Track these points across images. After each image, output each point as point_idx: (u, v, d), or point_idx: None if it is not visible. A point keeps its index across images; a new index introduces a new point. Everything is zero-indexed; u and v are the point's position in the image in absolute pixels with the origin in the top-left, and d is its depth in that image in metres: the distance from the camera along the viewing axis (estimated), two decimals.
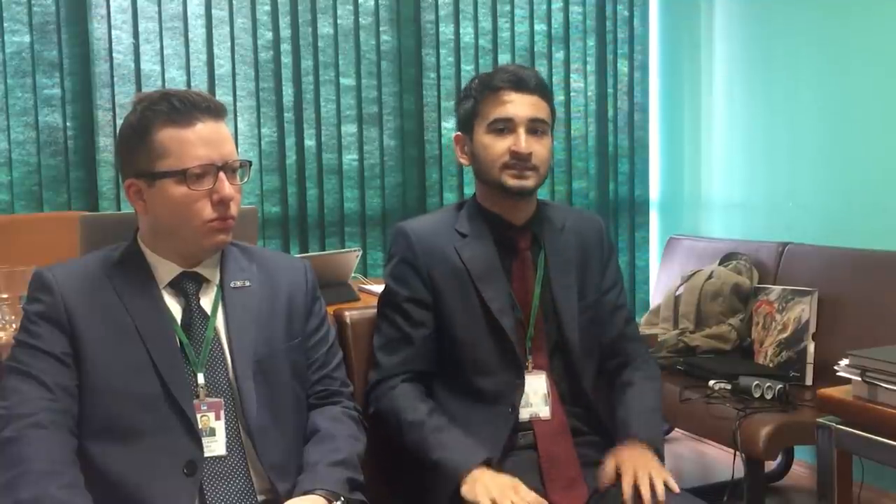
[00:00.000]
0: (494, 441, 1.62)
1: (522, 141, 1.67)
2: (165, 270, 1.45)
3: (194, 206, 1.37)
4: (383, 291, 1.78)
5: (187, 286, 1.45)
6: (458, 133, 1.79)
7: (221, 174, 1.38)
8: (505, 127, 1.68)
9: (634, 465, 1.56)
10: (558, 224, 1.80)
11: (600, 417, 1.73)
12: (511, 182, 1.68)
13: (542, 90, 1.72)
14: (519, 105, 1.68)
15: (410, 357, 1.72)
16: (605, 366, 1.81)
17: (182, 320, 1.44)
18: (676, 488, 1.54)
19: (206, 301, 1.47)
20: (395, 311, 1.73)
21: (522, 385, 1.68)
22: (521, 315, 1.71)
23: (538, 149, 1.69)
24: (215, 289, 1.48)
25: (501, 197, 1.73)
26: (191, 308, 1.45)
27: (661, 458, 1.62)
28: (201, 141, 1.37)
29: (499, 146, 1.68)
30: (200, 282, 1.47)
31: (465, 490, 1.50)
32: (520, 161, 1.67)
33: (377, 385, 1.72)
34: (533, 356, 1.71)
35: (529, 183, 1.69)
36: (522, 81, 1.69)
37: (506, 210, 1.75)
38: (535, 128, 1.69)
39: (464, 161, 1.78)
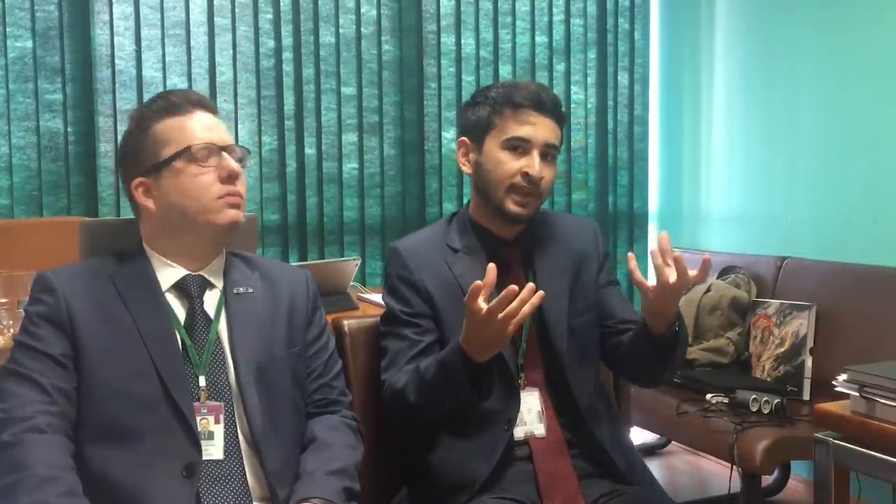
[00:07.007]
0: (489, 458, 1.60)
1: (536, 164, 1.65)
2: (170, 273, 1.45)
3: (203, 183, 1.41)
4: (384, 313, 1.74)
5: (192, 288, 1.46)
6: (464, 138, 1.74)
7: (224, 153, 1.43)
8: (520, 146, 1.66)
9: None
10: (550, 233, 1.77)
11: (591, 430, 1.68)
12: (512, 208, 1.66)
13: (559, 115, 1.70)
14: (539, 127, 1.66)
15: (417, 357, 1.65)
16: (619, 338, 1.77)
17: (185, 322, 1.44)
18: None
19: (210, 305, 1.47)
20: (399, 326, 1.69)
21: (518, 401, 1.65)
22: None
23: (547, 175, 1.67)
24: (219, 293, 1.48)
25: (495, 215, 1.71)
26: (194, 310, 1.45)
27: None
28: (200, 125, 1.43)
29: (511, 165, 1.66)
30: (205, 285, 1.47)
31: (477, 356, 1.50)
32: (528, 184, 1.65)
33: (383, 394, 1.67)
34: (526, 372, 1.68)
35: (529, 211, 1.68)
36: (542, 103, 1.67)
37: (497, 227, 1.73)
38: (548, 153, 1.68)
39: (465, 166, 1.74)
